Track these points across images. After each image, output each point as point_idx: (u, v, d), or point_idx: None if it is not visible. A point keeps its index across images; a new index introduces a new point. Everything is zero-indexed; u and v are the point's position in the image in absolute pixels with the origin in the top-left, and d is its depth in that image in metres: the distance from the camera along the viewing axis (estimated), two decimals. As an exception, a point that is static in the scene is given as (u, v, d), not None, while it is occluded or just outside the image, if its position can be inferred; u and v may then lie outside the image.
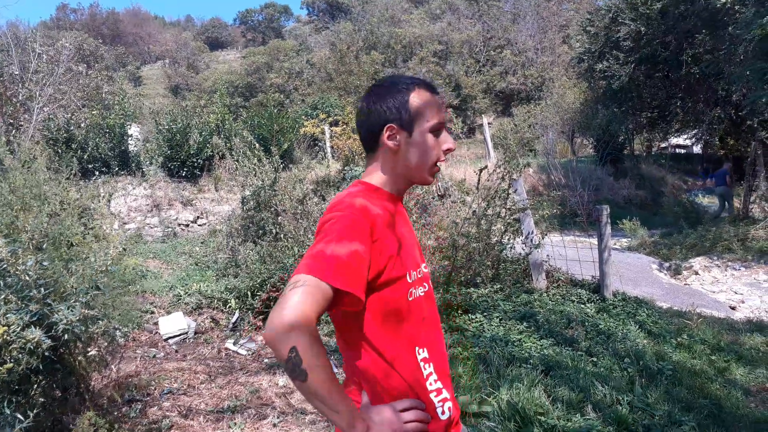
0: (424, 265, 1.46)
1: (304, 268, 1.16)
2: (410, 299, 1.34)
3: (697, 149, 23.60)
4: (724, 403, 3.80)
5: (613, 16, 15.97)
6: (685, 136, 21.29)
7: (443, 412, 1.35)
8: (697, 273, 8.82)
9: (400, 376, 1.31)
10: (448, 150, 1.42)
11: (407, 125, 1.38)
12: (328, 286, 1.14)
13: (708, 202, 16.07)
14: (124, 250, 3.70)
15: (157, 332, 5.30)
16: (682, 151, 25.13)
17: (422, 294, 1.39)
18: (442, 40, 33.54)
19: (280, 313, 1.09)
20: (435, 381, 1.36)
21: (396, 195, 1.44)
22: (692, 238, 10.67)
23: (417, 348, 1.35)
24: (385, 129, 1.38)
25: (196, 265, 7.97)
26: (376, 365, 1.31)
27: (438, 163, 1.42)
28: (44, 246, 3.81)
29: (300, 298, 1.10)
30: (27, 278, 2.80)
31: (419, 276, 1.39)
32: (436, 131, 1.40)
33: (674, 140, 23.50)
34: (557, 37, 34.14)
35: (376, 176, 1.43)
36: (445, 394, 1.38)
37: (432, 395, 1.34)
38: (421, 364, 1.35)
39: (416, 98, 1.38)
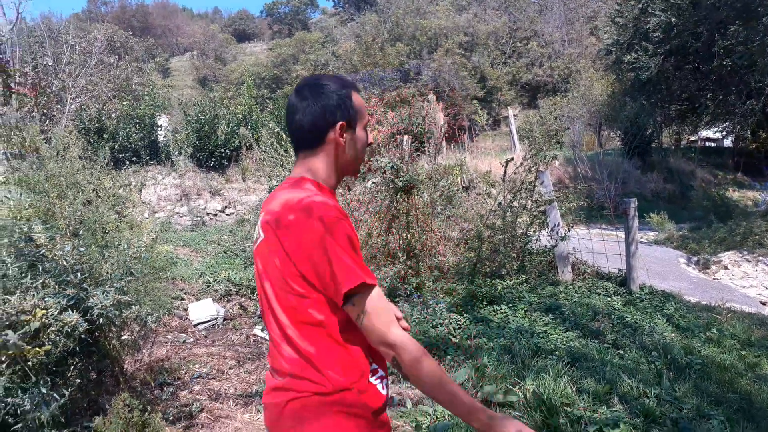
0: None
1: (358, 276, 1.30)
2: None
3: (728, 142, 23.08)
4: (754, 398, 3.76)
5: (642, 6, 15.68)
6: (716, 129, 20.83)
7: (383, 387, 1.43)
8: (726, 267, 8.68)
9: (356, 359, 1.38)
10: (370, 143, 1.59)
11: (353, 122, 1.50)
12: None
13: (738, 196, 15.73)
14: (156, 237, 3.78)
15: (187, 318, 5.41)
16: (712, 144, 24.59)
17: None
18: (467, 32, 33.24)
19: (392, 330, 1.31)
20: (371, 362, 1.42)
21: (333, 189, 1.54)
22: (722, 233, 10.49)
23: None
24: (338, 126, 1.46)
25: (225, 253, 8.09)
26: (338, 351, 1.36)
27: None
28: (80, 233, 3.92)
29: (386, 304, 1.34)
30: (64, 263, 2.89)
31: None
32: (366, 127, 1.56)
33: (704, 133, 23.04)
34: (584, 28, 33.61)
35: (321, 173, 1.50)
36: (381, 372, 1.44)
37: (371, 376, 1.40)
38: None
39: (356, 97, 1.51)
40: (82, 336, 2.82)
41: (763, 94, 15.35)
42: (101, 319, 2.94)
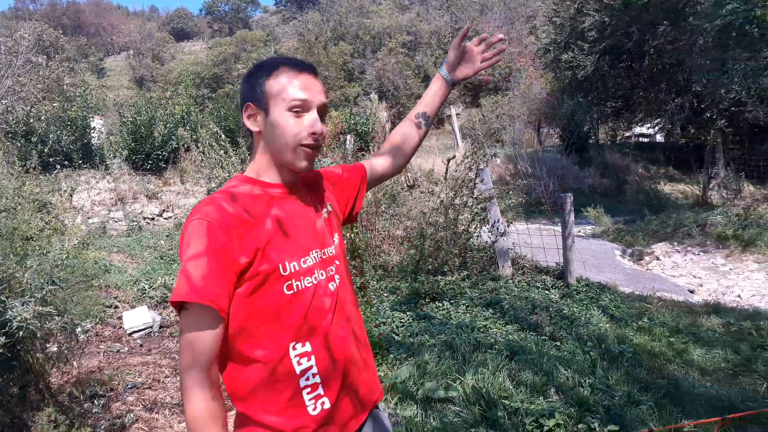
0: (326, 249, 1.40)
1: (175, 292, 1.19)
2: (290, 292, 1.27)
3: (659, 138, 24.05)
4: (681, 383, 3.91)
5: (578, 6, 16.13)
6: (648, 125, 21.66)
7: (314, 408, 1.28)
8: (658, 258, 9.04)
9: (264, 380, 1.25)
10: (314, 133, 1.32)
11: (264, 105, 1.32)
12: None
13: (669, 189, 16.42)
14: (86, 243, 3.61)
15: (121, 327, 5.22)
16: (646, 140, 25.57)
17: (311, 284, 1.31)
18: (410, 31, 33.47)
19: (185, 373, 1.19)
20: (313, 376, 1.28)
21: (276, 182, 1.37)
22: (654, 225, 10.90)
23: (293, 344, 1.27)
24: (244, 108, 1.35)
25: (162, 258, 7.86)
26: (239, 376, 1.26)
27: (305, 147, 1.33)
28: (-2, 241, 3.71)
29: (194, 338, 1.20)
30: (-23, 275, 2.73)
31: (305, 266, 1.31)
32: (297, 110, 1.31)
33: (638, 129, 23.93)
34: (524, 27, 34.35)
35: (253, 164, 1.39)
36: (320, 390, 1.29)
37: (305, 392, 1.27)
38: (295, 359, 1.26)
39: (277, 76, 1.32)
40: (1, 351, 2.67)
41: (690, 91, 16.06)
42: (21, 332, 2.79)
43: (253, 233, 1.24)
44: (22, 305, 2.77)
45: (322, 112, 1.37)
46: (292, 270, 1.28)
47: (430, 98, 1.81)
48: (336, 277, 1.41)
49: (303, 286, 1.29)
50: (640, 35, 15.04)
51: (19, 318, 2.72)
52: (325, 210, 1.48)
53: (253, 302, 1.23)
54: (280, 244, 1.28)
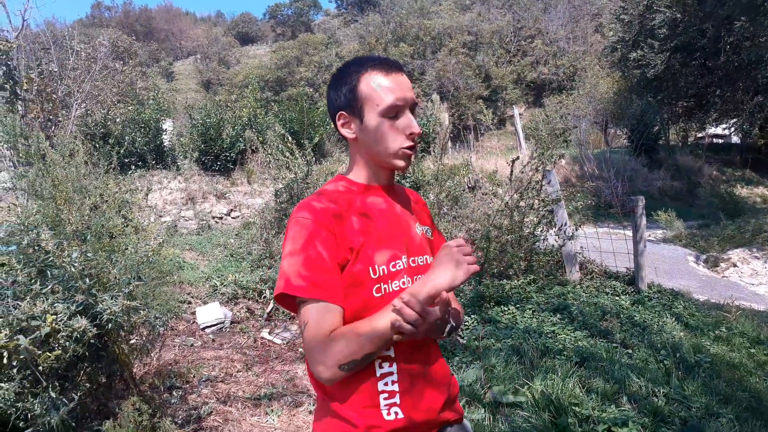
0: (417, 258, 1.38)
1: (279, 284, 1.22)
2: (378, 295, 1.27)
3: (735, 139, 22.94)
4: (763, 396, 3.73)
5: (647, 3, 15.64)
6: (724, 126, 20.70)
7: (388, 414, 1.26)
8: (735, 265, 8.62)
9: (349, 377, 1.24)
10: (412, 134, 1.32)
11: (357, 111, 1.32)
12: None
13: (746, 193, 15.64)
14: (163, 241, 3.79)
15: (194, 322, 5.43)
16: (720, 140, 24.45)
17: (399, 288, 1.29)
18: (471, 31, 33.21)
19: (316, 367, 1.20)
20: (392, 383, 1.27)
21: (372, 183, 1.40)
22: (731, 230, 10.41)
23: None
24: (337, 117, 1.35)
25: (231, 256, 8.11)
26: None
27: (405, 149, 1.33)
28: (87, 238, 3.93)
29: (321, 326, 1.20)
30: (72, 269, 2.90)
31: (394, 270, 1.30)
32: (391, 115, 1.31)
33: (711, 130, 22.92)
34: (589, 26, 33.54)
35: (351, 167, 1.42)
36: (397, 399, 1.27)
37: (382, 396, 1.26)
38: (378, 361, 1.27)
39: (366, 81, 1.31)
40: (92, 341, 2.83)
41: (770, 89, 15.28)
42: (110, 325, 2.95)
43: (350, 232, 1.27)
44: (112, 299, 2.92)
45: (414, 108, 1.36)
46: (382, 273, 1.28)
47: None
48: None
49: (390, 290, 1.28)
50: (715, 31, 14.40)
51: (108, 311, 2.87)
52: (418, 224, 1.47)
53: (344, 299, 1.25)
54: (373, 246, 1.29)
